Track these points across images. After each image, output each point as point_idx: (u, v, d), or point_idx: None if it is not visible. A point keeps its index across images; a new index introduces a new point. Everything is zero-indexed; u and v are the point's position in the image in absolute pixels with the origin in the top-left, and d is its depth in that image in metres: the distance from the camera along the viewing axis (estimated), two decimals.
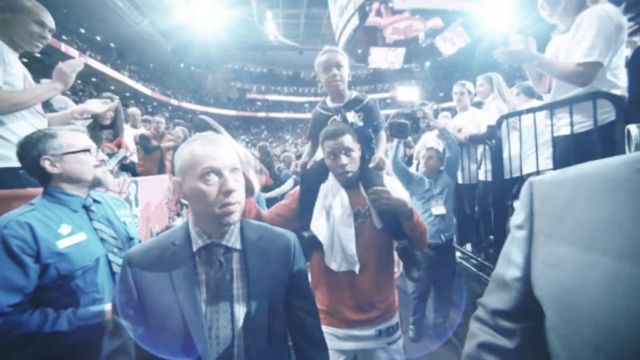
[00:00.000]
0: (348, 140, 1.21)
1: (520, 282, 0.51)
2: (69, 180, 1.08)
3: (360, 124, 1.38)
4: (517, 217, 0.54)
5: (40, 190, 1.31)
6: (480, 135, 2.24)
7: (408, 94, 13.91)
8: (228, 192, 0.75)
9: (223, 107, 29.95)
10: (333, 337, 1.20)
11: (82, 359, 0.97)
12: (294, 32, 21.81)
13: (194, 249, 0.79)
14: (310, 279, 1.28)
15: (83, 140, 1.14)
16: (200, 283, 0.77)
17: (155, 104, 24.53)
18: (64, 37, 16.33)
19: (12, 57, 1.38)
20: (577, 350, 0.43)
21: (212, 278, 0.78)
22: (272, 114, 32.37)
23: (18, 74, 1.39)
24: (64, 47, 15.28)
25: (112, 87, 19.63)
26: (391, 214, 1.20)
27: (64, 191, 1.07)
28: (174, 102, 25.53)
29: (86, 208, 1.11)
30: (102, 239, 1.09)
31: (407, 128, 1.82)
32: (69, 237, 0.99)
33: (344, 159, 1.20)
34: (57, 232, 0.97)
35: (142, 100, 23.34)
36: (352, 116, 1.38)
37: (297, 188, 1.39)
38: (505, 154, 2.07)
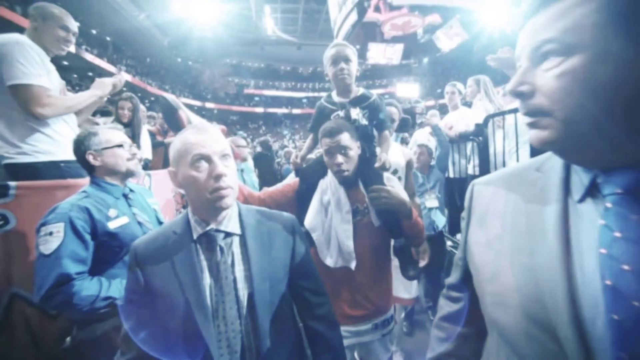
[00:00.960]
0: (346, 138, 1.20)
1: (462, 260, 0.64)
2: (107, 171, 1.27)
3: (365, 122, 1.37)
4: (464, 212, 0.65)
5: (77, 180, 1.52)
6: (469, 133, 2.45)
7: (408, 90, 14.06)
8: (218, 177, 0.78)
9: (221, 102, 29.89)
10: None
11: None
12: (292, 27, 21.80)
13: (194, 236, 0.82)
14: None
15: (119, 136, 1.33)
16: (203, 268, 0.81)
17: (153, 98, 24.51)
18: None
19: (51, 65, 1.56)
20: (492, 306, 0.54)
21: (214, 263, 0.81)
22: (270, 110, 32.35)
23: (56, 79, 1.57)
24: None
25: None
26: (390, 213, 1.21)
27: (107, 181, 1.27)
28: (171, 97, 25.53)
29: (125, 196, 1.31)
30: (139, 222, 1.29)
31: (408, 122, 1.94)
32: (115, 219, 1.18)
33: (339, 158, 1.20)
34: (107, 215, 1.17)
35: (140, 95, 23.31)
36: (356, 113, 1.37)
37: (297, 179, 1.40)
38: (491, 150, 2.29)
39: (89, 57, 17.56)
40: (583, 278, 0.42)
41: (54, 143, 1.50)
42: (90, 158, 1.24)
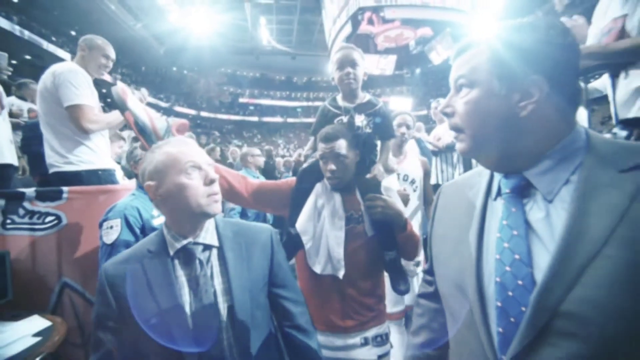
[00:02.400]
0: (342, 145, 1.17)
1: (429, 250, 0.76)
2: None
3: (369, 129, 1.35)
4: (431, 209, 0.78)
5: (114, 186, 1.79)
6: (454, 144, 2.76)
7: (401, 103, 14.58)
8: (211, 182, 0.82)
9: (216, 111, 30.16)
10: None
11: None
12: (287, 37, 22.31)
13: (171, 253, 0.82)
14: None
15: None
16: (182, 284, 0.80)
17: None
18: (54, 39, 16.28)
19: (93, 87, 1.82)
20: (439, 281, 0.69)
21: (193, 277, 0.81)
22: (265, 119, 32.73)
23: (96, 99, 1.83)
24: (51, 48, 15.20)
25: (104, 90, 19.66)
26: (385, 223, 1.19)
27: None
28: (164, 105, 25.68)
29: None
30: None
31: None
32: (158, 217, 1.44)
33: (332, 165, 1.18)
34: (151, 214, 1.42)
35: None
36: (360, 120, 1.34)
37: (294, 178, 1.38)
38: (473, 160, 2.59)
39: None
40: (487, 257, 0.56)
41: (94, 154, 1.76)
42: (132, 167, 1.51)
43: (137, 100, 1.55)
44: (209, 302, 0.80)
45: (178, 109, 26.85)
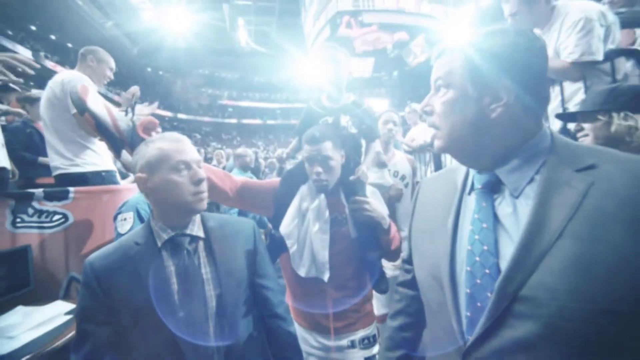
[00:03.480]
0: (328, 147, 1.17)
1: (408, 241, 0.79)
2: None
3: (354, 130, 1.36)
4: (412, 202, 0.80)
5: (116, 186, 1.92)
6: (427, 144, 3.06)
7: (379, 105, 15.09)
8: (199, 181, 0.84)
9: (193, 113, 29.62)
10: (307, 344, 1.21)
11: None
12: (266, 39, 22.34)
13: (159, 244, 0.84)
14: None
15: None
16: (170, 274, 0.83)
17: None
18: (10, 33, 14.85)
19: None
20: (417, 270, 0.71)
21: (181, 267, 0.84)
22: (244, 121, 32.49)
23: None
24: (9, 44, 13.84)
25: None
26: (369, 225, 1.19)
27: None
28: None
29: None
30: None
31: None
32: None
33: (318, 168, 1.17)
34: None
35: None
36: (345, 120, 1.35)
37: (278, 179, 1.38)
38: (442, 158, 2.90)
39: (50, 64, 16.44)
40: (460, 248, 0.59)
41: (98, 157, 1.88)
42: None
43: (98, 100, 1.55)
44: (197, 291, 0.83)
45: (156, 111, 26.08)
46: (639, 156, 0.53)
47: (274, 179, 1.38)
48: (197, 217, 0.91)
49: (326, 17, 15.02)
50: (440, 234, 0.63)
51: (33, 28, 18.22)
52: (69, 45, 20.36)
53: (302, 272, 1.17)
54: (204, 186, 0.86)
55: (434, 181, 0.77)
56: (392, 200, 1.95)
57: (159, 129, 1.29)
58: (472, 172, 0.65)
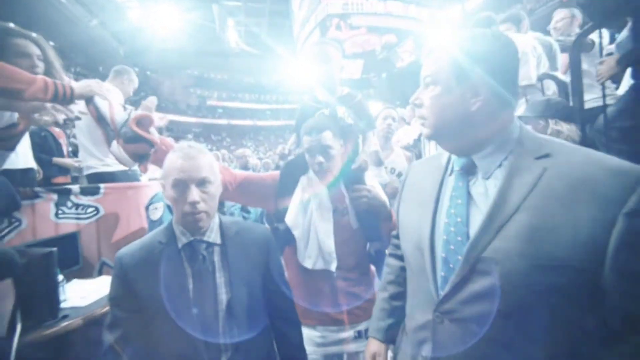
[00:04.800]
0: (328, 137, 1.17)
1: (398, 218, 0.86)
2: None
3: (350, 120, 1.39)
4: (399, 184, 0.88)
5: (138, 183, 2.21)
6: (410, 145, 3.42)
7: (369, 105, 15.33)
8: (191, 204, 0.86)
9: (182, 114, 29.47)
10: (312, 342, 1.21)
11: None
12: (255, 40, 22.44)
13: (179, 245, 0.90)
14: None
15: None
16: (187, 274, 0.89)
17: None
18: None
19: None
20: (403, 243, 0.81)
21: (196, 270, 0.90)
22: (234, 121, 32.48)
23: None
24: None
25: None
26: (369, 214, 1.20)
27: None
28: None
29: None
30: None
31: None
32: None
33: (320, 157, 1.18)
34: None
35: None
36: (342, 111, 1.38)
37: (277, 172, 1.40)
38: (423, 155, 3.26)
39: None
40: (439, 221, 0.69)
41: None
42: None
43: (105, 101, 1.62)
44: (209, 293, 0.89)
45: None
46: (583, 148, 0.63)
47: (274, 172, 1.40)
48: (216, 223, 0.96)
49: (316, 19, 15.31)
50: (424, 210, 0.72)
51: (12, 25, 17.77)
52: (52, 43, 19.91)
53: (308, 264, 1.19)
54: (199, 207, 0.87)
55: (421, 165, 0.88)
56: (388, 198, 2.17)
57: (156, 125, 1.31)
58: (453, 157, 0.74)
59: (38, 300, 1.19)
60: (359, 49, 15.90)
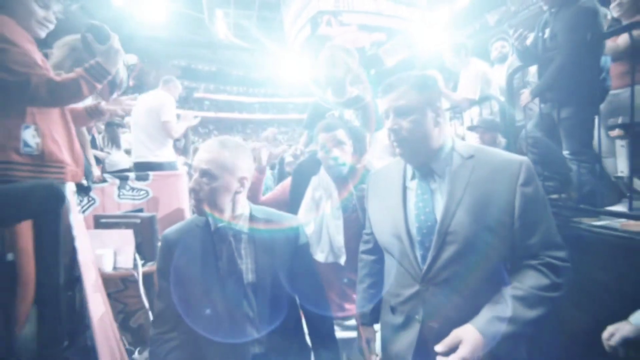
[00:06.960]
0: (341, 134, 1.29)
1: (368, 217, 1.08)
2: None
3: (357, 122, 1.51)
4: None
5: (178, 171, 2.74)
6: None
7: None
8: (189, 190, 1.00)
9: None
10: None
11: None
12: (245, 32, 22.37)
13: (212, 229, 1.01)
14: None
15: None
16: (216, 256, 0.99)
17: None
18: None
19: None
20: (377, 235, 0.99)
21: (224, 253, 0.99)
22: (222, 114, 32.27)
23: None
24: None
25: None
26: None
27: None
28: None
29: None
30: None
31: None
32: None
33: (336, 151, 1.28)
34: None
35: None
36: (349, 113, 1.49)
37: (288, 180, 1.53)
38: None
39: None
40: (410, 214, 0.91)
41: (169, 151, 2.75)
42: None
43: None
44: (236, 277, 0.98)
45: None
46: (492, 148, 0.90)
47: (282, 183, 1.58)
48: (246, 211, 1.05)
49: (307, 15, 15.52)
50: (393, 207, 0.92)
51: None
52: None
53: (320, 258, 1.30)
54: (194, 195, 0.98)
55: (379, 173, 1.09)
56: None
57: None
58: (409, 166, 0.95)
59: (148, 246, 1.75)
60: (348, 46, 16.30)
